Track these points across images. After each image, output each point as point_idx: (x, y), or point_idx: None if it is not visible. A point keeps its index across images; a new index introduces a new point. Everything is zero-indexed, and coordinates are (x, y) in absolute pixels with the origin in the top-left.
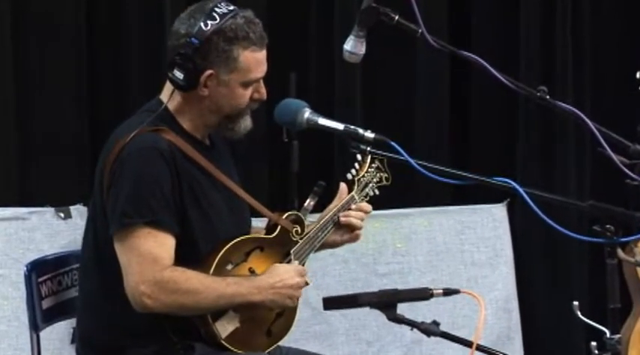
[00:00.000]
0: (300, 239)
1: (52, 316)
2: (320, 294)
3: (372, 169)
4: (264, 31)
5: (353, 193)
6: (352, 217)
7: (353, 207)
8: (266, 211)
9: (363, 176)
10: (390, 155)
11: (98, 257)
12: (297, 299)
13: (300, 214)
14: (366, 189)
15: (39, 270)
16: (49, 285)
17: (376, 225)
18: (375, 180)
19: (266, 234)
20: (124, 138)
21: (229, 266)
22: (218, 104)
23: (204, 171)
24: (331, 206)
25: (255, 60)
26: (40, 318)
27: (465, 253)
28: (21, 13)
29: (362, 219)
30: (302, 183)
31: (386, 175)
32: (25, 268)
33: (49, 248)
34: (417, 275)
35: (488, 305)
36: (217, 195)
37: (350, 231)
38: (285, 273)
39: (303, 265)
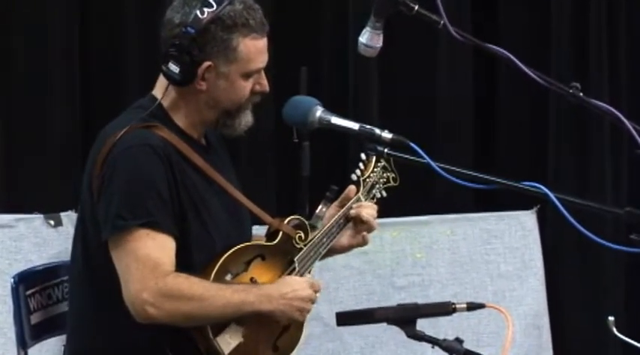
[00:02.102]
0: (304, 245)
1: (41, 332)
2: (333, 309)
3: (378, 169)
4: (266, 18)
5: (359, 194)
6: (363, 210)
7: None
8: (266, 216)
9: (369, 176)
10: (410, 157)
11: (89, 267)
12: (307, 313)
13: (302, 219)
14: (373, 191)
15: (27, 282)
16: (37, 299)
17: (394, 234)
18: (381, 180)
19: (267, 242)
20: (114, 136)
21: (228, 277)
22: (217, 98)
23: (200, 173)
24: (331, 210)
25: (255, 49)
26: (28, 334)
27: (491, 264)
28: (8, 7)
29: (373, 216)
30: (313, 188)
31: (393, 175)
32: (12, 280)
33: (38, 258)
34: (438, 288)
35: (517, 320)
36: (215, 199)
37: (359, 230)
38: (297, 284)
39: (309, 273)
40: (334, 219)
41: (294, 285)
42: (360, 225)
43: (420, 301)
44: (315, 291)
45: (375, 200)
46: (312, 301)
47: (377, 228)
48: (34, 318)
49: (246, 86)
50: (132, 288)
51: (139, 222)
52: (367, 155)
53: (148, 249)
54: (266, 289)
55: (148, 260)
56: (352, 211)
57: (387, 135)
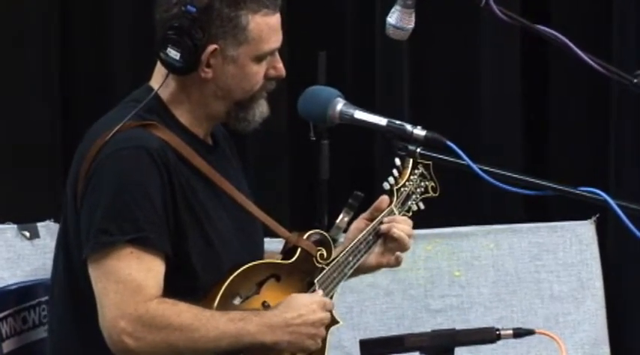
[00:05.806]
0: (327, 265)
1: None
2: (356, 336)
3: (415, 177)
4: None
5: (392, 206)
6: (395, 225)
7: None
8: (282, 230)
9: (404, 185)
10: (447, 158)
11: (73, 286)
12: (321, 340)
13: (324, 233)
14: (408, 202)
15: None
16: (10, 323)
17: (428, 248)
18: (419, 190)
19: (283, 259)
20: (104, 136)
21: (237, 300)
22: (226, 87)
23: (205, 180)
24: (358, 222)
25: (268, 26)
26: None
27: (542, 284)
28: None
29: (407, 233)
30: (333, 194)
31: (432, 184)
32: None
33: (11, 276)
34: (480, 312)
35: (572, 349)
36: (221, 209)
37: (390, 248)
38: (304, 306)
39: (331, 298)
40: (362, 234)
41: (302, 309)
42: (390, 242)
43: (459, 326)
44: (328, 311)
45: (410, 213)
46: (324, 324)
47: (410, 247)
48: (7, 346)
49: (259, 71)
50: (108, 314)
51: (125, 237)
52: (402, 160)
53: (132, 269)
54: (269, 317)
55: (130, 282)
56: (383, 226)
57: (419, 132)
